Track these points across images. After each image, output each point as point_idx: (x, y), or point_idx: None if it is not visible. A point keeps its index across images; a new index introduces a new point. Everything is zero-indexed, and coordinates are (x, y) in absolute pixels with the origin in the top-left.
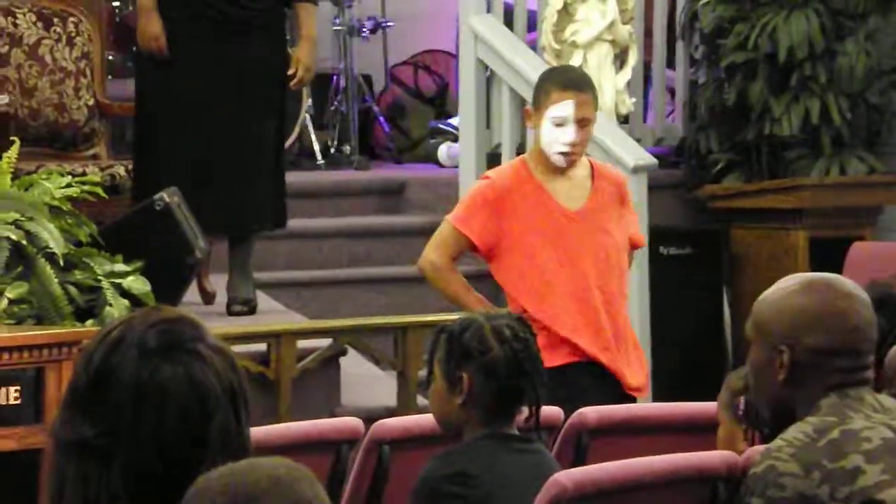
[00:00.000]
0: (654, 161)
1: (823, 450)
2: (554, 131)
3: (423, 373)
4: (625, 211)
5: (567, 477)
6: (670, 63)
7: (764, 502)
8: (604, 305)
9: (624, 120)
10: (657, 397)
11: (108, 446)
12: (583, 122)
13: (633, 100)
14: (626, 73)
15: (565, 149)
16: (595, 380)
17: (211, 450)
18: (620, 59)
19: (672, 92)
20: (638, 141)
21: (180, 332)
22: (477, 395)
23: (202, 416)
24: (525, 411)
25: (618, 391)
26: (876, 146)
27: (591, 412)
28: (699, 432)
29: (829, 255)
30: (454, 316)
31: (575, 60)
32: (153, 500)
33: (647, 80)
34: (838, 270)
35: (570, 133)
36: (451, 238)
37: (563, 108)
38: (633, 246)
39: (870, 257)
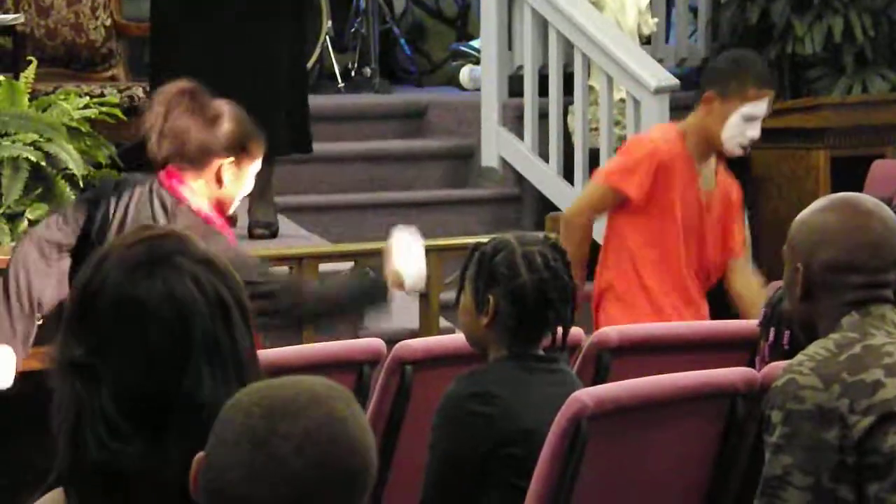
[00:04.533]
0: (677, 82)
1: (844, 364)
2: (741, 126)
3: (444, 296)
4: (733, 218)
5: (587, 395)
6: None
7: (783, 415)
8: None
9: (646, 41)
10: None
11: (96, 365)
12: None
13: (656, 20)
14: None
15: (747, 144)
16: None
17: (194, 362)
18: None
19: (695, 11)
20: (660, 61)
21: (163, 246)
22: (501, 317)
23: (184, 329)
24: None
25: None
26: None
27: (612, 331)
28: (718, 350)
29: (850, 174)
30: (473, 240)
31: None
32: (145, 417)
33: None
34: (859, 189)
35: (756, 130)
36: (605, 197)
37: (760, 106)
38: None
39: (891, 175)
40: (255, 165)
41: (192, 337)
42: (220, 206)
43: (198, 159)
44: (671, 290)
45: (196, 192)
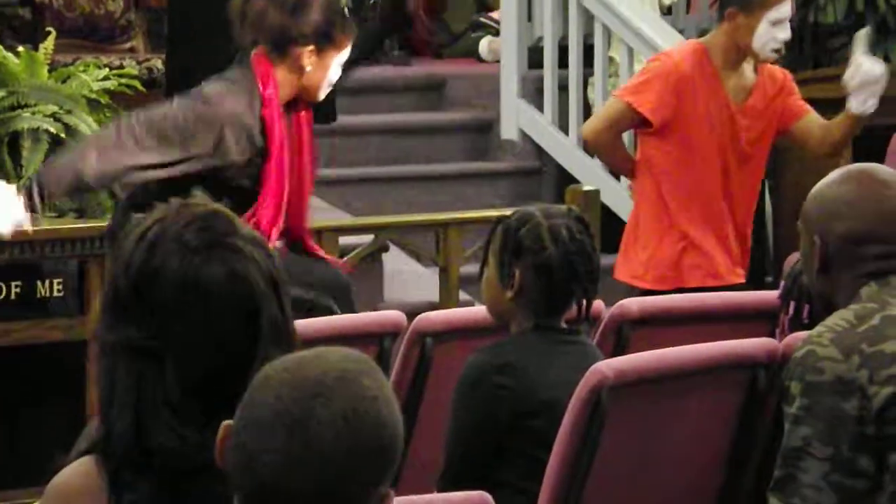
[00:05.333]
0: None
1: (863, 335)
2: (771, 31)
3: (464, 269)
4: (784, 100)
5: (608, 366)
6: None
7: (803, 386)
8: (728, 204)
9: (667, 11)
10: None
11: (158, 348)
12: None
13: None
14: None
15: (779, 46)
16: None
17: (263, 344)
18: None
19: None
20: (681, 32)
21: (216, 227)
22: (526, 290)
23: (250, 311)
24: (575, 307)
25: None
26: None
27: (632, 303)
28: (739, 321)
29: (871, 144)
30: (492, 212)
31: None
32: (209, 399)
33: None
34: (881, 159)
35: (786, 30)
36: (621, 114)
37: (783, 8)
38: (797, 117)
39: None
40: (341, 56)
41: (260, 316)
42: (307, 94)
43: (277, 45)
44: (698, 215)
45: (280, 80)
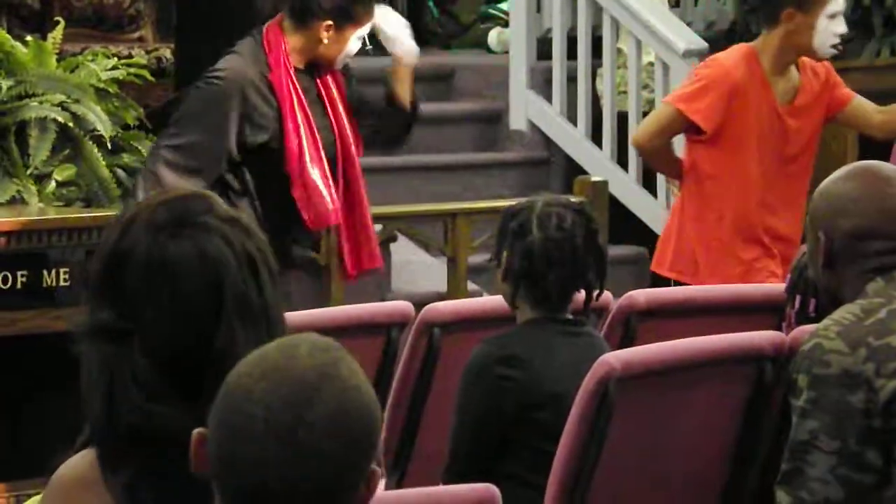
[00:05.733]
0: (705, 45)
1: (870, 328)
2: (829, 26)
3: (472, 259)
4: (831, 93)
5: (615, 357)
6: None
7: (809, 379)
8: (772, 211)
9: (675, 3)
10: None
11: (128, 328)
12: None
13: None
14: None
15: (838, 40)
16: None
17: (226, 320)
18: None
19: None
20: (689, 24)
21: (189, 207)
22: (513, 274)
23: (216, 287)
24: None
25: None
26: None
27: (640, 295)
28: (747, 314)
29: (878, 140)
30: (501, 203)
31: None
32: (179, 378)
33: None
34: (887, 153)
35: (843, 24)
36: (671, 120)
37: (838, 0)
38: (843, 104)
39: None
40: (360, 31)
41: (224, 294)
42: (326, 62)
43: (297, 15)
44: (740, 222)
45: (293, 47)
